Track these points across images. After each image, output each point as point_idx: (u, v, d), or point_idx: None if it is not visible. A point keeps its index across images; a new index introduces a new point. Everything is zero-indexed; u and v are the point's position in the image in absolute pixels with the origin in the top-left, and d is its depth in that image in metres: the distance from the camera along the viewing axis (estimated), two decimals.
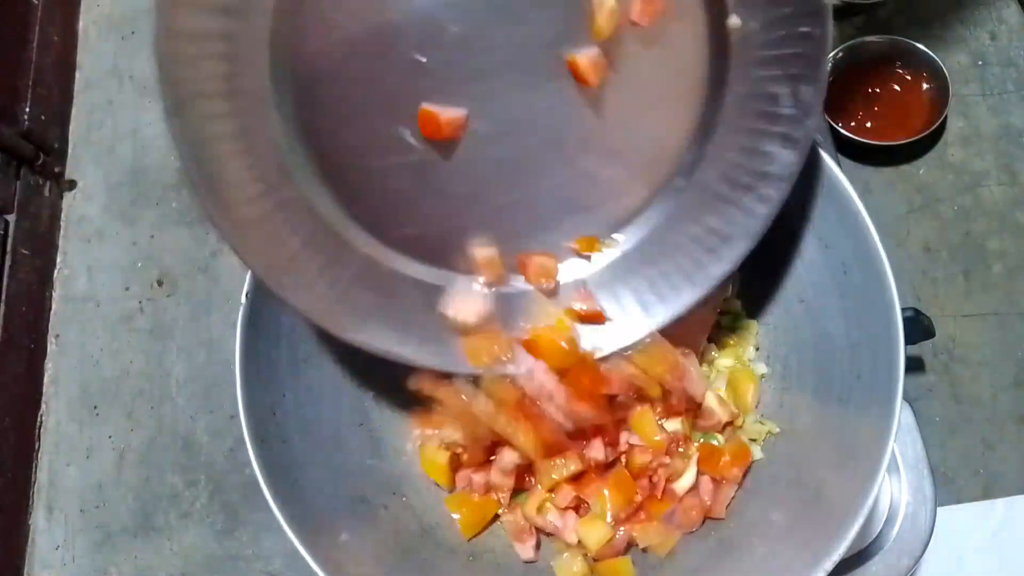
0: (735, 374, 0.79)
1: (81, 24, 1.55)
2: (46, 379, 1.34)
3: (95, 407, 1.32)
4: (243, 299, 0.68)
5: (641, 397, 0.74)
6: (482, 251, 0.69)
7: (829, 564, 0.58)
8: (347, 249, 0.66)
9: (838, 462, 0.65)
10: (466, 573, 0.74)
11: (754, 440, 0.76)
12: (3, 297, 1.28)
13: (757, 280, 0.79)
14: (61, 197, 1.45)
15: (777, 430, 0.75)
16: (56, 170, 1.44)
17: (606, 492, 0.73)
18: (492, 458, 0.78)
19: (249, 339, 0.68)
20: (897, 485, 0.78)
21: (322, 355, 0.76)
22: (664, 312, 0.70)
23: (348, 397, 0.78)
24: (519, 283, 0.72)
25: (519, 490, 0.78)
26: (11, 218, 1.32)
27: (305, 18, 0.58)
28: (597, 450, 0.74)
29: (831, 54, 1.27)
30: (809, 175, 0.67)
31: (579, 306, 0.71)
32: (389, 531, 0.73)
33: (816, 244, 0.71)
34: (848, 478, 0.62)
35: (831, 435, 0.68)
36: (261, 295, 0.69)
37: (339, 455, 0.74)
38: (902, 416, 0.62)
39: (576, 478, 0.74)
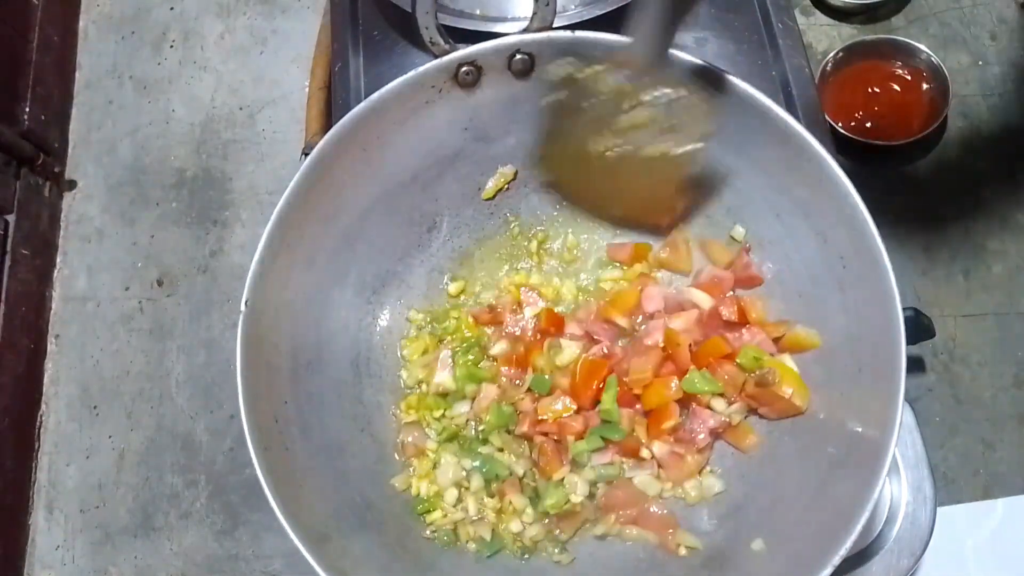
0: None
1: (81, 24, 1.55)
2: (46, 379, 1.34)
3: (95, 407, 1.32)
4: (243, 307, 0.67)
5: None
6: None
7: (831, 566, 0.58)
8: None
9: (840, 460, 0.65)
10: None
11: None
12: (3, 297, 1.28)
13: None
14: (61, 197, 1.44)
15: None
16: (56, 170, 1.43)
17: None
18: None
19: (250, 347, 0.67)
20: (897, 485, 0.77)
21: (323, 361, 0.76)
22: None
23: (349, 403, 0.78)
24: None
25: None
26: (11, 218, 1.32)
27: None
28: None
29: (832, 54, 1.29)
30: (804, 168, 0.67)
31: None
32: (393, 535, 0.73)
33: (813, 237, 0.70)
34: (850, 476, 0.62)
35: (833, 433, 0.67)
36: (261, 301, 0.69)
37: (342, 460, 0.74)
38: (903, 416, 0.61)
39: None
